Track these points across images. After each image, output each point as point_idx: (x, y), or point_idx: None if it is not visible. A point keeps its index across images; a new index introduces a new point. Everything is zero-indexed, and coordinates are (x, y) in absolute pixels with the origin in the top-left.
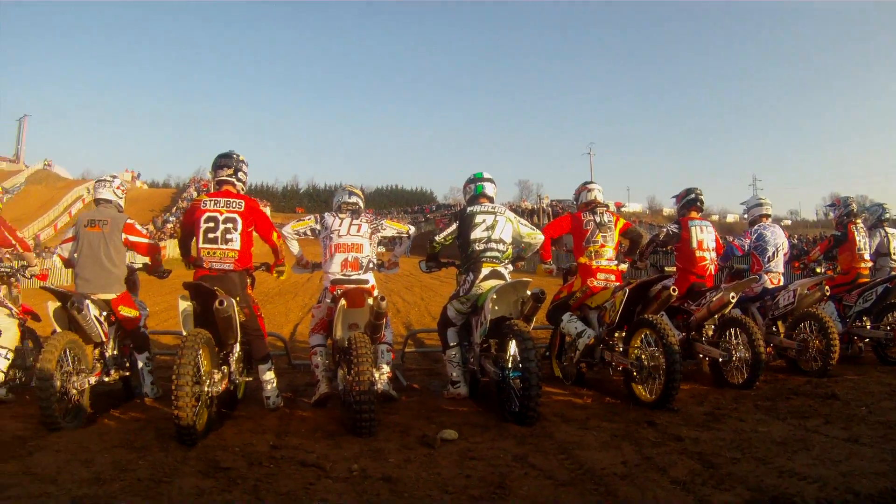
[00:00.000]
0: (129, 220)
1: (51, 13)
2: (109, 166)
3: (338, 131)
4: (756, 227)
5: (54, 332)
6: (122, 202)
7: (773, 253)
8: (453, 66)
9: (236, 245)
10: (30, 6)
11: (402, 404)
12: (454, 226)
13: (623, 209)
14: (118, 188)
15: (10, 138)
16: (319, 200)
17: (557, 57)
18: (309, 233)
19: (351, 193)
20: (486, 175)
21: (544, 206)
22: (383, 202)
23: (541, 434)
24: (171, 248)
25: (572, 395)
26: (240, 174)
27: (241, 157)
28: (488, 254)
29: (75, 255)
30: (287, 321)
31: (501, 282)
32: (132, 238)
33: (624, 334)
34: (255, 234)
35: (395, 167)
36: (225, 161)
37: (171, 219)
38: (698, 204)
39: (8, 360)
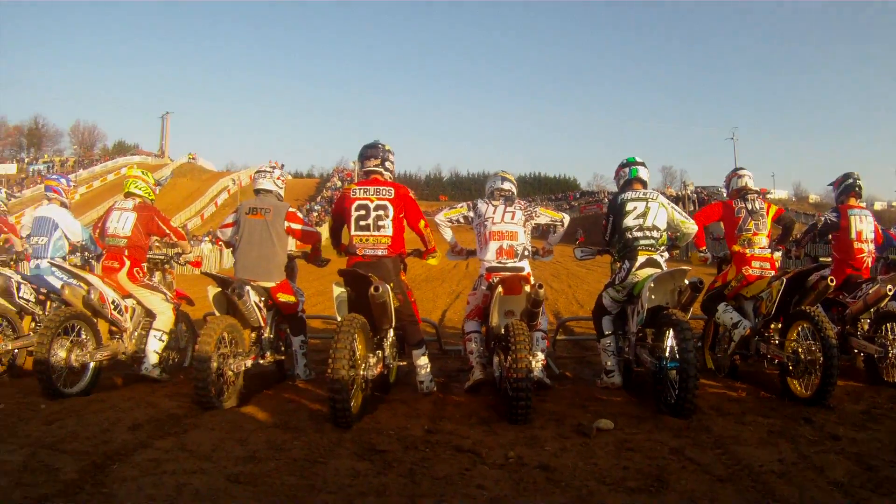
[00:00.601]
0: (290, 209)
1: (188, 12)
2: (253, 159)
3: (480, 118)
4: None
5: (207, 315)
6: (281, 192)
7: None
8: (594, 54)
9: (388, 231)
10: (172, 6)
11: (555, 392)
12: (611, 219)
13: (768, 196)
14: (278, 178)
15: (155, 135)
16: (462, 188)
17: (698, 41)
18: (462, 220)
19: (504, 179)
20: (638, 159)
21: (689, 192)
22: (527, 190)
23: (697, 427)
24: None
25: (727, 388)
26: (386, 164)
27: (387, 147)
28: (643, 241)
29: (235, 239)
30: (435, 307)
31: (658, 270)
32: (294, 226)
33: (780, 326)
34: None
35: (538, 154)
36: (371, 152)
37: (315, 208)
38: (857, 190)
39: (163, 342)
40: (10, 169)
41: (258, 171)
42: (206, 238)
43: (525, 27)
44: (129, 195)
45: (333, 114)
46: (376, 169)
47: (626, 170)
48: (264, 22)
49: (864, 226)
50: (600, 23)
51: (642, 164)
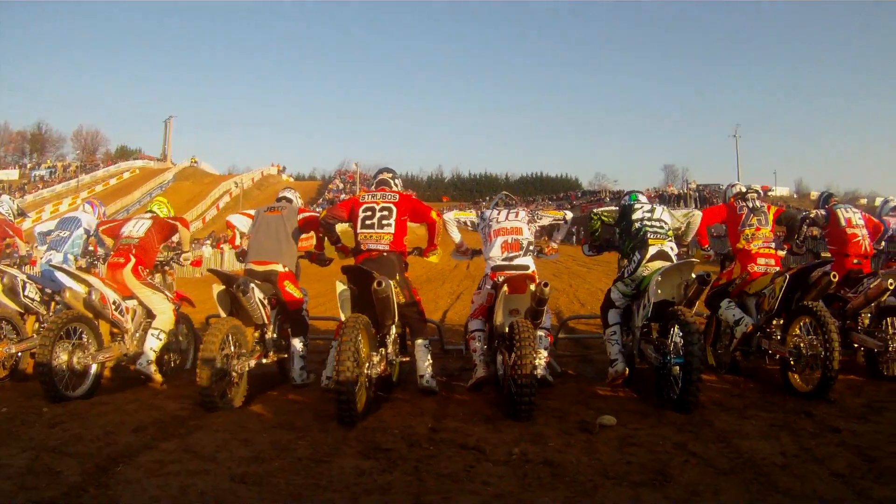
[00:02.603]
0: (301, 206)
1: (190, 15)
2: (254, 162)
3: (480, 118)
4: None
5: (209, 318)
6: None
7: None
8: (594, 51)
9: (391, 230)
10: (171, 8)
11: (558, 390)
12: (622, 223)
13: (770, 193)
14: (296, 192)
15: (157, 139)
16: (464, 189)
17: (699, 37)
18: (469, 224)
19: (506, 195)
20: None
21: (691, 190)
22: (528, 190)
23: (699, 422)
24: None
25: (728, 384)
26: (396, 180)
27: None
28: (651, 230)
29: (249, 234)
30: (436, 308)
31: (668, 263)
32: (304, 214)
33: (781, 322)
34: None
35: (539, 154)
36: (386, 168)
37: (318, 209)
38: (834, 196)
39: (161, 340)
40: (13, 174)
41: (285, 188)
42: (208, 241)
43: (522, 24)
44: (149, 212)
45: (335, 116)
46: (387, 179)
47: (627, 197)
48: (264, 24)
49: (850, 214)
50: (600, 18)
51: (641, 192)
